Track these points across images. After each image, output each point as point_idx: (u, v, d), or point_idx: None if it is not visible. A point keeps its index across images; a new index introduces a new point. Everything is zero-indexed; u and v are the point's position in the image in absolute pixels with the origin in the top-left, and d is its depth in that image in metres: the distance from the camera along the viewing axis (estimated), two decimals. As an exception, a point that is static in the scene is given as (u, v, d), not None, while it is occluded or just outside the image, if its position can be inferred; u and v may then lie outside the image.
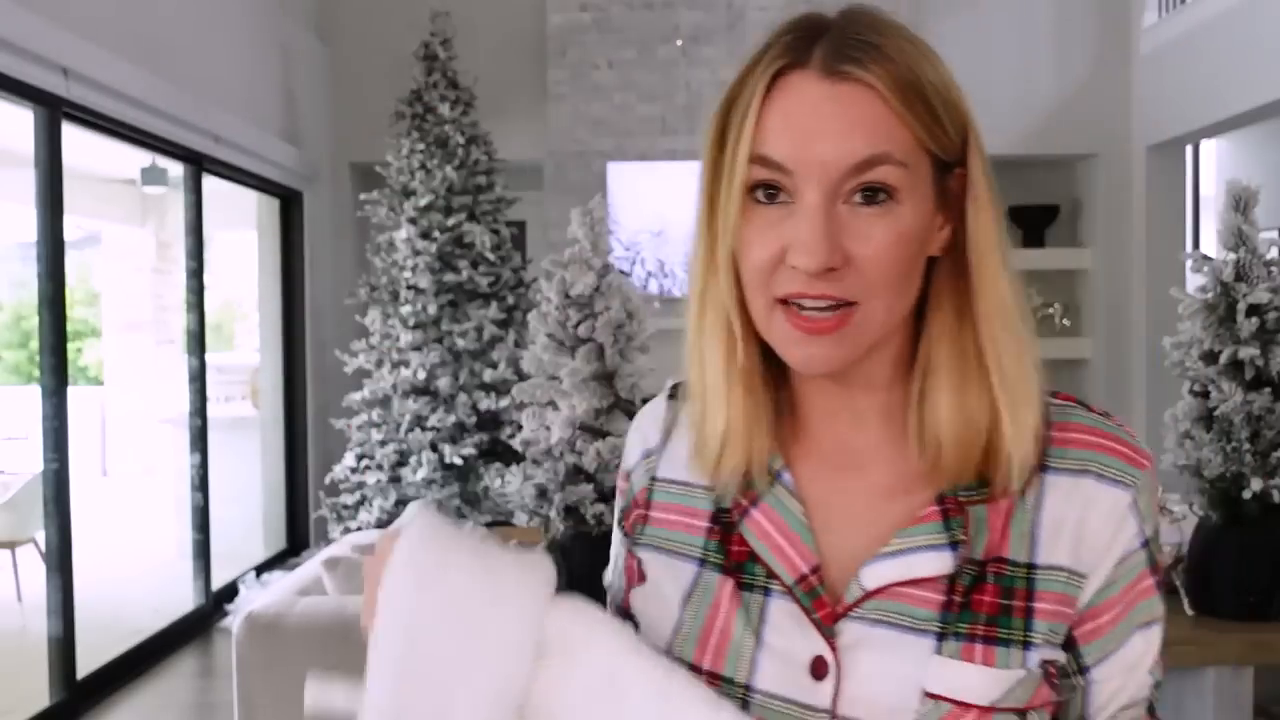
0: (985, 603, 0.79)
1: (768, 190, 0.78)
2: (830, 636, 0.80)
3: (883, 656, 0.79)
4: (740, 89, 0.80)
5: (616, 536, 0.99)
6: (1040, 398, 0.82)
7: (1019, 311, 0.81)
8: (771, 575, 0.83)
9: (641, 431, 0.97)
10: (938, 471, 0.81)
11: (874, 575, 0.80)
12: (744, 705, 0.81)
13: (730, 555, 0.85)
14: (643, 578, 0.91)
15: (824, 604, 0.81)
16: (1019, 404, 0.80)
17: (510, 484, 3.12)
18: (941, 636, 0.79)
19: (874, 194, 0.76)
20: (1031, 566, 0.81)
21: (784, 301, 0.78)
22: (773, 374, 0.86)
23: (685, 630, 0.85)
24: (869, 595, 0.80)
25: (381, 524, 5.78)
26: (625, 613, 0.94)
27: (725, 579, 0.85)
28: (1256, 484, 2.40)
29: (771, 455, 0.86)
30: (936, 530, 0.80)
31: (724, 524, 0.86)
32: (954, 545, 0.80)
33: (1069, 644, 0.82)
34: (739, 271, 0.81)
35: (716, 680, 0.83)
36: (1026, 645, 0.79)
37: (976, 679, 0.78)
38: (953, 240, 0.82)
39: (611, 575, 0.99)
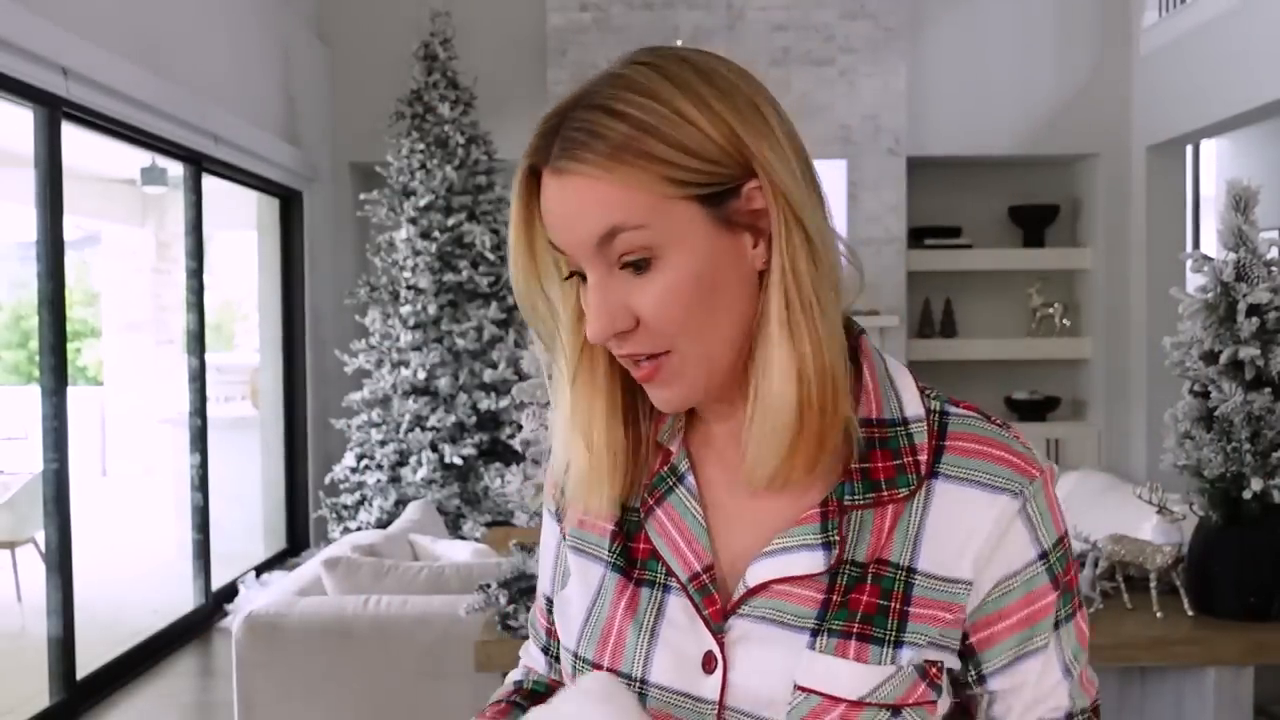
0: (863, 602, 0.83)
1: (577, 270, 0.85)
2: (719, 633, 0.85)
3: (763, 651, 0.84)
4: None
5: (551, 540, 1.01)
6: (836, 411, 0.83)
7: (813, 325, 0.81)
8: (670, 572, 0.88)
9: None
10: (777, 473, 0.84)
11: (756, 574, 0.85)
12: (641, 699, 0.86)
13: (633, 553, 0.91)
14: (565, 577, 0.97)
15: (715, 601, 0.86)
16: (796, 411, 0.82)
17: (510, 484, 3.12)
18: (816, 633, 0.83)
19: (636, 263, 0.81)
20: (912, 570, 0.84)
21: None
22: None
23: (589, 631, 0.91)
24: (752, 593, 0.85)
25: (381, 524, 5.78)
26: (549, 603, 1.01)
27: (624, 580, 0.90)
28: (1256, 484, 2.39)
29: (679, 457, 0.91)
30: (814, 532, 0.84)
31: (629, 523, 0.92)
32: (828, 546, 0.83)
33: (969, 652, 0.86)
34: None
35: (615, 676, 0.88)
36: (899, 644, 0.82)
37: (846, 674, 0.82)
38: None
39: (544, 574, 1.02)
